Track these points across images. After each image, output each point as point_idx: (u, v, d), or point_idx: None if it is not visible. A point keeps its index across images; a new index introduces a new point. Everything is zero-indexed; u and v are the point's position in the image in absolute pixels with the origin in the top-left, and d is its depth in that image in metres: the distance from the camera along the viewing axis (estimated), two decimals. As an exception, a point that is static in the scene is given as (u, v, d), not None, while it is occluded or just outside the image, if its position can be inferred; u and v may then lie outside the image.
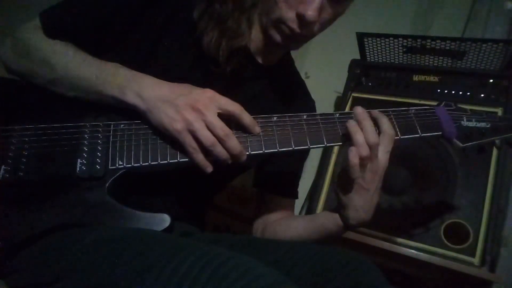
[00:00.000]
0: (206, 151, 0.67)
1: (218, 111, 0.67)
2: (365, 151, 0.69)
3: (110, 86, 0.69)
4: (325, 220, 0.81)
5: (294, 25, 0.75)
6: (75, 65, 0.72)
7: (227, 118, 0.68)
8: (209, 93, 0.68)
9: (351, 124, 0.72)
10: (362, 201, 0.73)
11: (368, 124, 0.71)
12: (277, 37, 0.78)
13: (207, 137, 0.65)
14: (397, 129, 0.75)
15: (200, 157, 0.67)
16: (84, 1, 0.77)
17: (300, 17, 0.73)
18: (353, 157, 0.70)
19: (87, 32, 0.77)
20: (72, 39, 0.76)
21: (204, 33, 0.77)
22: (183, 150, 0.68)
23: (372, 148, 0.70)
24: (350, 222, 0.76)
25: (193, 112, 0.66)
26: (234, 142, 0.67)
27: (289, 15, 0.74)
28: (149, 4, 0.77)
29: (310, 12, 0.72)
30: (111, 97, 0.70)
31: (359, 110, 0.73)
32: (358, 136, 0.70)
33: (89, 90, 0.71)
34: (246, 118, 0.70)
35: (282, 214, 0.97)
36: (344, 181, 0.74)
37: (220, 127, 0.66)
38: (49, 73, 0.73)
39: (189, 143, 0.66)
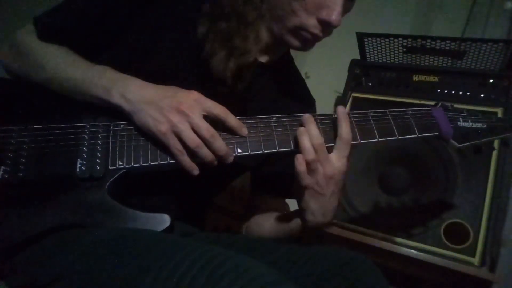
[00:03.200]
0: (192, 153, 0.66)
1: (204, 113, 0.67)
2: (310, 155, 0.68)
3: (95, 87, 0.69)
4: (289, 221, 0.82)
5: (317, 30, 0.75)
6: (64, 67, 0.72)
7: (214, 120, 0.68)
8: (194, 95, 0.68)
9: (299, 130, 0.70)
10: (318, 205, 0.72)
11: (312, 127, 0.69)
12: (297, 44, 0.78)
13: (192, 139, 0.65)
14: (395, 130, 0.75)
15: (185, 159, 0.66)
16: (77, 4, 0.77)
17: (324, 23, 0.73)
18: (299, 164, 0.68)
19: (80, 35, 0.78)
20: (65, 41, 0.77)
21: (212, 55, 0.76)
22: (169, 152, 0.67)
23: (318, 150, 0.68)
24: (308, 225, 0.75)
25: (178, 114, 0.65)
26: (219, 143, 0.66)
27: (311, 22, 0.74)
28: (143, 6, 0.77)
29: (335, 17, 0.72)
30: (96, 97, 0.70)
31: (305, 116, 0.71)
32: (304, 140, 0.68)
33: (75, 90, 0.71)
34: (232, 120, 0.69)
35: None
36: (297, 186, 0.72)
37: (206, 128, 0.65)
38: (41, 74, 0.74)
39: (174, 145, 0.66)
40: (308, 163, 0.68)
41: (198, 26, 0.77)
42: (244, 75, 0.79)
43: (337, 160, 0.70)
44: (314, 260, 0.70)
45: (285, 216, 0.84)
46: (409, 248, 1.17)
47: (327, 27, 0.74)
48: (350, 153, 0.71)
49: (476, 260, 1.09)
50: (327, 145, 0.71)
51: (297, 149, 0.71)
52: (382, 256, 1.18)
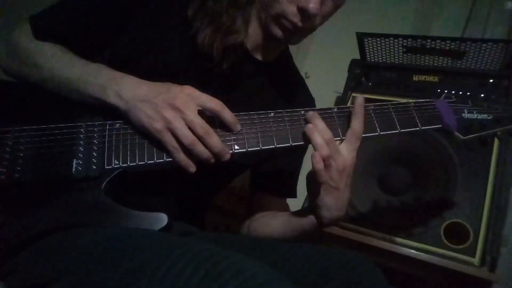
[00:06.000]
0: (187, 150, 0.66)
1: (198, 107, 0.67)
2: (325, 151, 0.68)
3: (91, 86, 0.70)
4: (302, 219, 0.80)
5: (296, 19, 0.75)
6: (60, 66, 0.73)
7: (210, 115, 0.68)
8: (188, 90, 0.68)
9: (308, 127, 0.70)
10: (333, 200, 0.72)
11: (319, 123, 0.70)
12: (278, 32, 0.78)
13: (186, 135, 0.65)
14: (397, 123, 0.75)
15: (181, 157, 0.66)
16: (73, 3, 0.78)
17: (302, 11, 0.73)
18: (317, 162, 0.68)
19: (77, 33, 0.78)
20: (61, 40, 0.77)
21: (199, 30, 0.76)
22: (165, 150, 0.67)
23: (330, 144, 0.69)
24: (323, 221, 0.75)
25: (172, 110, 0.65)
26: (214, 140, 0.66)
27: (290, 9, 0.74)
28: (140, 3, 0.77)
29: (312, 5, 0.72)
30: (92, 97, 0.70)
31: (310, 113, 0.72)
32: (316, 137, 0.69)
33: (71, 90, 0.72)
34: (227, 115, 0.68)
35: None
36: (313, 183, 0.72)
37: (200, 124, 0.65)
38: (37, 74, 0.74)
39: (169, 142, 0.66)
40: (324, 160, 0.68)
41: (189, 8, 0.77)
42: (229, 55, 0.78)
43: (347, 153, 0.71)
44: (315, 260, 0.69)
45: (296, 214, 0.84)
46: (409, 248, 1.17)
47: (305, 16, 0.74)
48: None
49: (476, 260, 1.08)
50: (336, 139, 0.71)
51: (295, 144, 0.71)
52: (382, 256, 1.18)
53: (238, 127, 0.70)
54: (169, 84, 0.69)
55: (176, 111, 0.65)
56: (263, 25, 0.81)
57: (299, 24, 0.75)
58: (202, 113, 0.67)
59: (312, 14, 0.73)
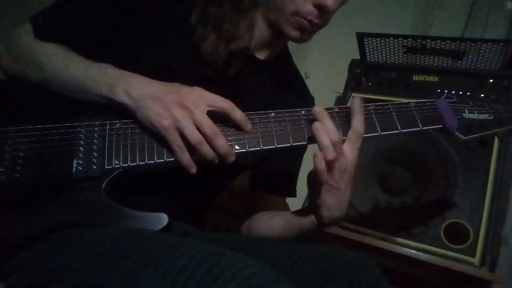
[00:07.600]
0: (193, 150, 0.66)
1: (208, 108, 0.67)
2: (330, 154, 0.66)
3: (98, 85, 0.70)
4: (302, 219, 0.80)
5: (313, 17, 0.75)
6: (64, 66, 0.72)
7: (221, 116, 0.68)
8: (198, 91, 0.68)
9: (316, 126, 0.68)
10: (334, 200, 0.71)
11: (329, 124, 0.68)
12: (294, 33, 0.79)
13: (194, 135, 0.65)
14: (398, 123, 0.75)
15: (185, 156, 0.66)
16: (74, 3, 0.77)
17: (321, 8, 0.73)
18: (319, 162, 0.66)
19: (78, 33, 0.78)
20: (63, 40, 0.76)
21: (202, 38, 0.77)
22: (169, 148, 0.67)
23: (336, 146, 0.67)
24: (324, 221, 0.74)
25: (182, 109, 0.65)
26: (221, 141, 0.66)
27: (307, 8, 0.74)
28: (140, 5, 0.77)
29: (331, 1, 0.72)
30: (99, 95, 0.70)
31: (318, 109, 0.70)
32: (324, 139, 0.67)
33: (77, 89, 0.71)
34: (237, 114, 0.69)
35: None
36: (314, 183, 0.71)
37: (208, 125, 0.65)
38: (39, 74, 0.73)
39: (175, 141, 0.65)
40: (328, 162, 0.67)
41: (192, 14, 0.77)
42: (234, 61, 0.79)
43: (350, 153, 0.70)
44: (315, 260, 0.69)
45: (297, 214, 0.83)
46: (409, 248, 1.17)
47: (323, 12, 0.74)
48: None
49: (476, 260, 1.08)
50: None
51: (295, 144, 0.71)
52: (382, 256, 1.18)
53: (249, 125, 0.70)
54: (179, 85, 0.69)
55: (185, 110, 0.65)
56: (274, 26, 0.81)
57: (317, 21, 0.75)
58: (212, 115, 0.67)
59: (331, 11, 0.73)
